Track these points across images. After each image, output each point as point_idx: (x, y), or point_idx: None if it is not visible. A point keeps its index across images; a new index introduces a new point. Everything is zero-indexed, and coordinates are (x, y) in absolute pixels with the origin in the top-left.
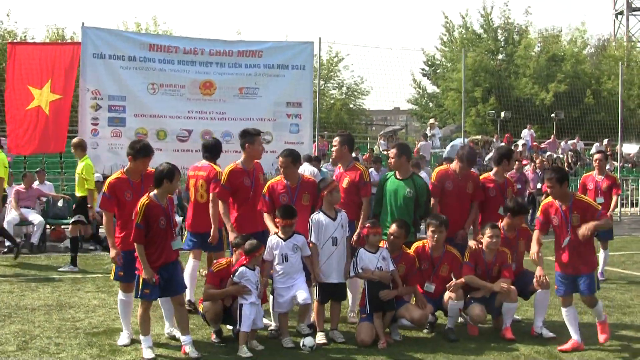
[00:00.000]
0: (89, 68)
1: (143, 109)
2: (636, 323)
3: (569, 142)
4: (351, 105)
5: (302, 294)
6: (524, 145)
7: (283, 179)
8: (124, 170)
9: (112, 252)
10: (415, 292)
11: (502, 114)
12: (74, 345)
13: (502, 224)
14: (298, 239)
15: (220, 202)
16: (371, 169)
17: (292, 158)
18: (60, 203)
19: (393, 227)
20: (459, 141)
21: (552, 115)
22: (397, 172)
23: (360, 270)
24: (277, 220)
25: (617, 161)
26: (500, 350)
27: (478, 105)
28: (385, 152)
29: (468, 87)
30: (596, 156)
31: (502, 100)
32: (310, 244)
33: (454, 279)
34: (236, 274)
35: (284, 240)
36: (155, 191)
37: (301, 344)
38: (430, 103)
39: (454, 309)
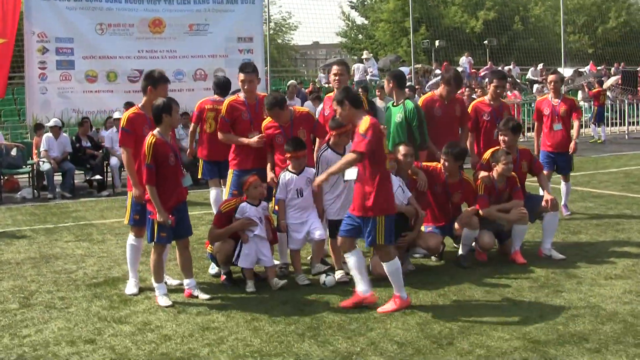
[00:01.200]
0: (34, 10)
1: (92, 51)
2: (633, 239)
3: (505, 68)
4: (279, 41)
5: (317, 230)
6: (462, 72)
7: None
8: (139, 106)
9: (136, 191)
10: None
11: (437, 42)
12: (79, 298)
13: (501, 145)
14: (310, 171)
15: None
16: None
17: (279, 105)
18: (14, 152)
19: (402, 149)
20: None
21: (485, 42)
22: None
23: None
24: (287, 154)
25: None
26: (518, 273)
27: (409, 35)
28: (326, 85)
29: (398, 17)
30: (551, 77)
31: (432, 29)
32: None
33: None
34: (237, 211)
35: (297, 175)
36: (157, 129)
37: (321, 282)
38: (360, 35)
39: (469, 237)
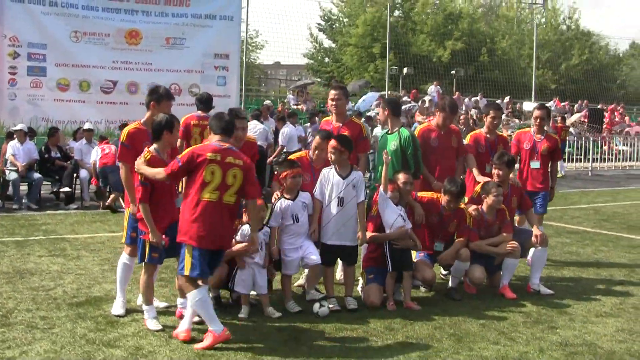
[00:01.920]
0: (7, 12)
1: (65, 58)
2: (615, 277)
3: (472, 99)
4: (245, 59)
5: (313, 255)
6: (430, 101)
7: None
8: (142, 121)
9: (134, 208)
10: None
11: (405, 69)
12: (62, 319)
13: (494, 178)
14: (305, 196)
15: None
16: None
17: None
18: None
19: (402, 176)
20: (371, 95)
21: (453, 72)
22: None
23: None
24: (284, 173)
25: (519, 119)
26: (510, 307)
27: (377, 61)
28: (295, 107)
29: (366, 42)
30: (537, 113)
31: (400, 56)
32: (316, 201)
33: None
34: (239, 233)
35: (293, 200)
36: (155, 145)
37: (314, 311)
38: (326, 58)
39: (459, 269)
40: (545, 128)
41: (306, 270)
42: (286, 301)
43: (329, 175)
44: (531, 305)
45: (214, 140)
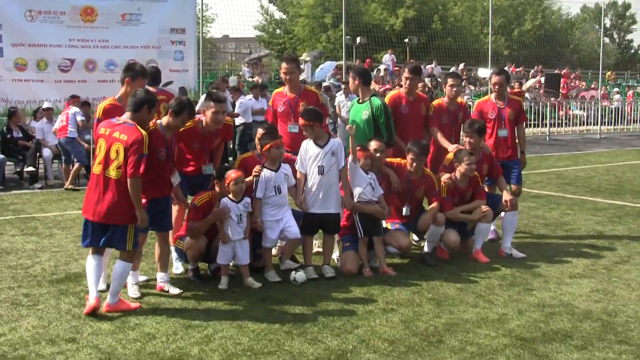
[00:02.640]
0: None
1: (21, 38)
2: (584, 239)
3: (427, 66)
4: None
5: (292, 229)
6: (385, 70)
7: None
8: (116, 97)
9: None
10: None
11: (358, 39)
12: (45, 295)
13: (466, 146)
14: (286, 167)
15: None
16: (249, 96)
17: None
18: None
19: (374, 143)
20: (328, 64)
21: (406, 40)
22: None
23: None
24: (267, 145)
25: (474, 85)
26: (485, 272)
27: (329, 31)
28: (250, 80)
29: (318, 12)
30: (495, 78)
31: (352, 26)
32: (299, 173)
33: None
34: (219, 206)
35: (275, 171)
36: (164, 119)
37: (291, 278)
38: (277, 30)
39: (435, 234)
40: (506, 94)
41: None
42: (266, 271)
43: (308, 147)
44: (505, 269)
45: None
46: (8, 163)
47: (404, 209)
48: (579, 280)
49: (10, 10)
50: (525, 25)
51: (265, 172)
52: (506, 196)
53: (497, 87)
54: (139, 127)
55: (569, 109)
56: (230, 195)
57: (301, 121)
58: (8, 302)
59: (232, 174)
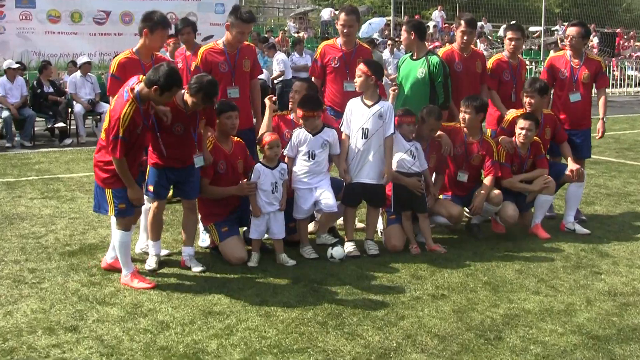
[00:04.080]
0: None
1: None
2: None
3: (478, 23)
4: None
5: (327, 200)
6: (434, 27)
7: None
8: (133, 50)
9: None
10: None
11: None
12: (53, 271)
13: (526, 108)
14: (329, 133)
15: None
16: (293, 53)
17: None
18: None
19: (432, 121)
20: (377, 20)
21: None
22: (412, 53)
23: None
24: (300, 114)
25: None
26: (546, 251)
27: None
28: (295, 35)
29: None
30: (571, 30)
31: None
32: (343, 134)
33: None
34: (252, 173)
35: (313, 135)
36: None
37: (328, 255)
38: None
39: (489, 211)
40: (583, 51)
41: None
42: (302, 246)
43: (353, 106)
44: (568, 247)
45: None
46: (38, 119)
47: (459, 174)
48: None
49: None
50: None
51: (299, 133)
52: (572, 165)
53: (571, 39)
54: (130, 103)
55: (623, 69)
56: (264, 160)
57: (361, 66)
58: (10, 278)
59: (266, 136)
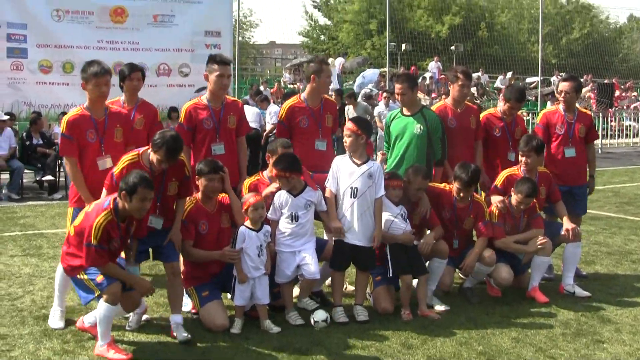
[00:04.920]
0: None
1: (47, 39)
2: None
3: (474, 75)
4: (239, 38)
5: (310, 266)
6: (431, 78)
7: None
8: (84, 106)
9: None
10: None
11: (403, 46)
12: (25, 337)
13: (522, 167)
14: (311, 193)
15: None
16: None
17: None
18: None
19: (419, 181)
20: (369, 71)
21: (452, 47)
22: (404, 108)
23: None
24: (276, 174)
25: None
26: (544, 316)
27: (373, 38)
28: (291, 86)
29: (362, 18)
30: (564, 85)
31: (397, 32)
32: (328, 191)
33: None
34: (237, 238)
35: (295, 196)
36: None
37: (312, 321)
38: (322, 36)
39: (482, 272)
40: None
41: None
42: (287, 312)
43: (342, 163)
44: (568, 312)
45: None
46: (27, 171)
47: (454, 242)
48: None
49: (37, 8)
50: (573, 33)
51: (281, 195)
52: (567, 224)
53: (563, 94)
54: (106, 213)
55: (621, 119)
56: (248, 223)
57: (349, 125)
58: None
59: (250, 198)
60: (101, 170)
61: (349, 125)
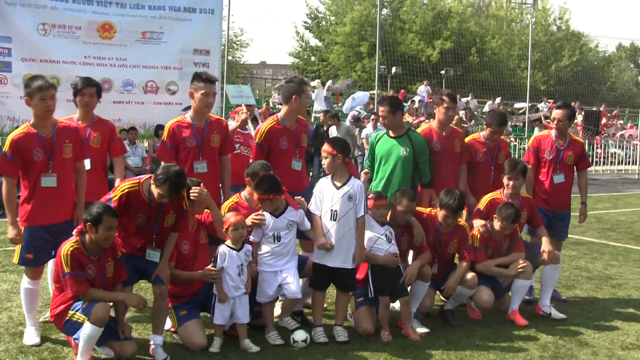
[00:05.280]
0: None
1: (32, 53)
2: (634, 297)
3: (463, 99)
4: (230, 58)
5: (291, 286)
6: (420, 101)
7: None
8: (30, 123)
9: (11, 232)
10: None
11: (393, 69)
12: (0, 354)
13: (506, 191)
14: (293, 214)
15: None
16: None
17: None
18: None
19: (405, 203)
20: (359, 94)
21: (442, 72)
22: (389, 130)
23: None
24: (256, 197)
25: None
26: (522, 337)
27: (364, 60)
28: (279, 106)
29: (354, 40)
30: (557, 113)
31: (388, 55)
32: (314, 215)
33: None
34: (218, 256)
35: (277, 217)
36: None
37: (291, 340)
38: (312, 57)
39: (463, 295)
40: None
41: None
42: (267, 331)
43: (323, 185)
44: (546, 336)
45: None
46: None
47: (434, 267)
48: (633, 353)
49: (22, 22)
50: (562, 61)
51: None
52: (545, 246)
53: (558, 123)
54: (72, 243)
55: (607, 147)
56: (229, 242)
57: (325, 147)
58: None
59: (231, 218)
60: (47, 188)
61: (324, 147)
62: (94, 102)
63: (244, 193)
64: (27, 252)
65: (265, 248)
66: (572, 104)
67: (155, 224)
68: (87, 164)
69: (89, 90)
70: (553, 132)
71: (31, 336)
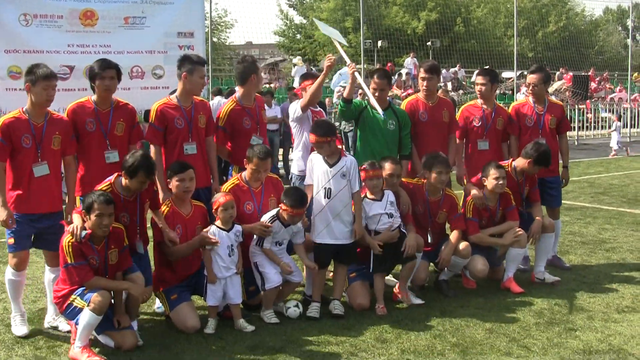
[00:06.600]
0: None
1: (16, 44)
2: (628, 261)
3: (450, 70)
4: (215, 39)
5: (295, 270)
6: (407, 74)
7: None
8: (23, 109)
9: (1, 214)
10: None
11: (379, 43)
12: None
13: (516, 164)
14: (299, 225)
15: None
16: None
17: None
18: None
19: (388, 166)
20: (346, 69)
21: (429, 43)
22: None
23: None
24: (283, 207)
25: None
26: (518, 306)
27: (350, 35)
28: (267, 85)
29: (338, 16)
30: (532, 77)
31: (373, 29)
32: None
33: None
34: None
35: (285, 227)
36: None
37: (284, 310)
38: (298, 35)
39: (457, 265)
40: (544, 97)
41: None
42: (263, 309)
43: (315, 160)
44: (541, 302)
45: None
46: None
47: (429, 237)
48: (629, 316)
49: (4, 13)
50: (549, 27)
51: (275, 224)
52: (538, 216)
53: (531, 87)
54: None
55: (597, 111)
56: (219, 223)
57: (313, 137)
58: None
59: (220, 198)
60: (34, 178)
61: (311, 137)
62: (114, 86)
63: (245, 174)
64: (9, 236)
65: (265, 244)
66: (560, 69)
67: (135, 217)
68: (116, 156)
69: (109, 73)
70: (531, 99)
71: (17, 326)
